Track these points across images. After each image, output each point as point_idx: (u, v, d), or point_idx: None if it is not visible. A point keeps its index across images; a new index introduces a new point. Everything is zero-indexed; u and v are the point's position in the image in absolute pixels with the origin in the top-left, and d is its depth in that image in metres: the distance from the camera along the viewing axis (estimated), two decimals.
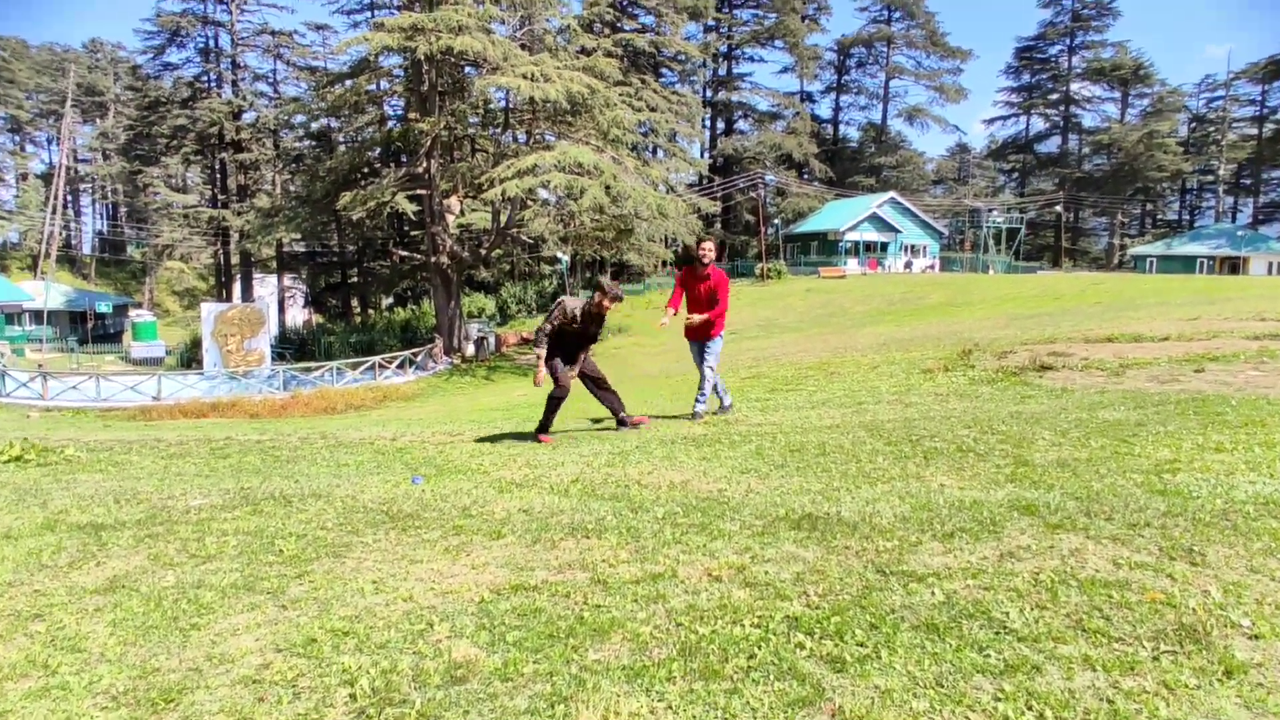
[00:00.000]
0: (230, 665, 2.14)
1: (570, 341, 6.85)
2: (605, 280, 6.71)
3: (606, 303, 6.62)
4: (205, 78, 52.22)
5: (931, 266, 54.18)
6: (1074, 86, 69.41)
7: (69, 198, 69.65)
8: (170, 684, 2.04)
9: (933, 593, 2.46)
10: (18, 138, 73.42)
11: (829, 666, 2.03)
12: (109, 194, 74.18)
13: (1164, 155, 62.23)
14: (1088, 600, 2.35)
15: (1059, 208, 64.81)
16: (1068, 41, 68.67)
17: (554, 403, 6.80)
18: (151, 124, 51.80)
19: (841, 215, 53.82)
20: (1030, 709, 1.83)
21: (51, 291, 46.71)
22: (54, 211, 53.21)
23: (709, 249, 7.19)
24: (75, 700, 1.97)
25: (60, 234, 62.46)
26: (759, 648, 2.13)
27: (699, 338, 7.42)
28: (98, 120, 72.01)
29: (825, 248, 53.63)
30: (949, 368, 9.66)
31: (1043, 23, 69.77)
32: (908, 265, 52.80)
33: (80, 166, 72.01)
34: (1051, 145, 72.84)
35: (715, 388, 7.51)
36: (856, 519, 3.32)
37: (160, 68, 53.75)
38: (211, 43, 51.91)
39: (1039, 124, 73.29)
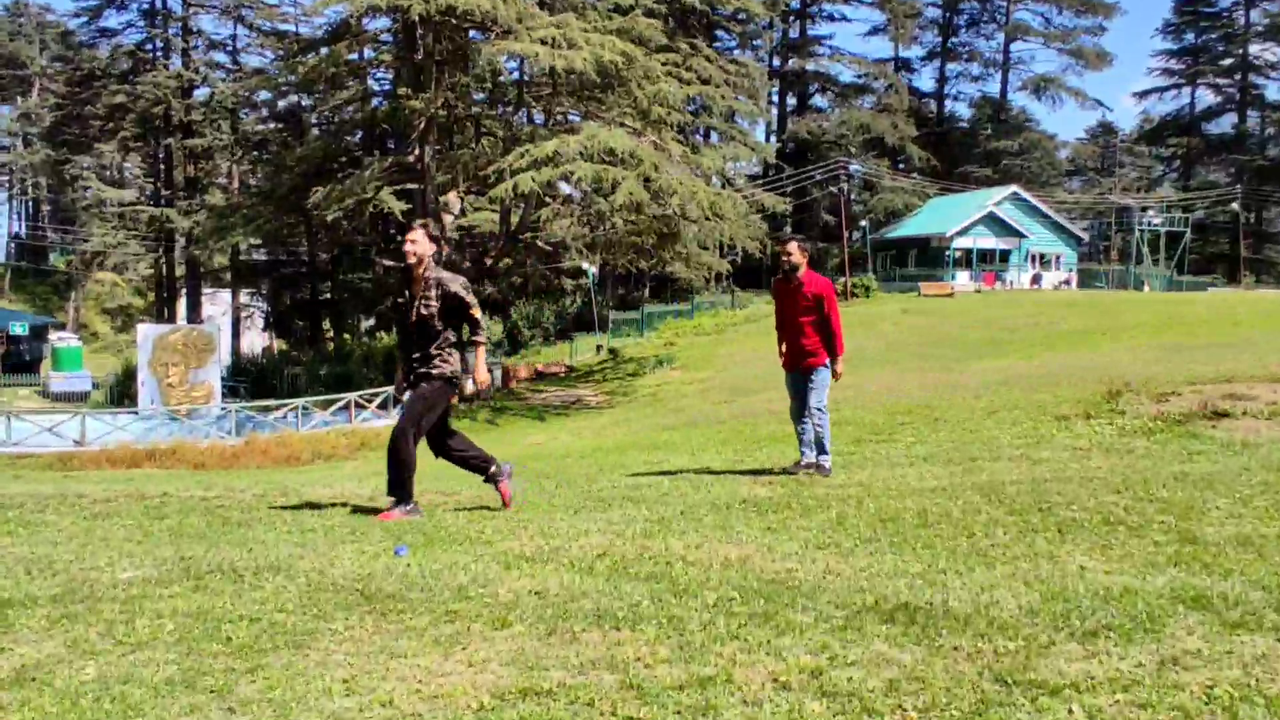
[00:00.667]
0: None
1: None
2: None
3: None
4: (150, 45, 54.16)
5: (1067, 281, 53.54)
6: (1253, 49, 68.59)
7: None
8: None
9: (1070, 710, 2.41)
10: None
11: None
12: (29, 189, 76.71)
13: None
14: None
15: (1235, 205, 63.70)
16: None
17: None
18: (84, 102, 53.76)
19: (948, 216, 53.57)
20: None
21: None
22: None
23: (792, 250, 7.30)
24: None
25: None
26: None
27: (798, 367, 7.43)
28: (19, 99, 74.80)
29: (927, 257, 53.35)
30: (1091, 414, 9.52)
31: None
32: (1035, 280, 52.22)
33: None
34: (1224, 125, 71.84)
35: (819, 438, 7.43)
36: (969, 611, 3.27)
37: (96, 34, 55.92)
38: (158, 3, 53.82)
39: (1208, 97, 72.41)
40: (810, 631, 3.11)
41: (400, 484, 6.03)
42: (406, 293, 6.05)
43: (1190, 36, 71.29)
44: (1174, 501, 5.18)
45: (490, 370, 32.74)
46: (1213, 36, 70.29)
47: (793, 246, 7.34)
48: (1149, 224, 57.55)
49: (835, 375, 7.40)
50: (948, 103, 70.93)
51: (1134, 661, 2.72)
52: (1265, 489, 5.37)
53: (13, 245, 79.48)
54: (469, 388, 5.96)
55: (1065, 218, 57.71)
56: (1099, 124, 79.40)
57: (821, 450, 7.40)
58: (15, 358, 49.99)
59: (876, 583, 3.76)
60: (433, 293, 5.91)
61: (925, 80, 71.12)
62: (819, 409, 7.33)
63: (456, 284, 5.99)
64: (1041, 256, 54.07)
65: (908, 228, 56.12)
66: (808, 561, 4.25)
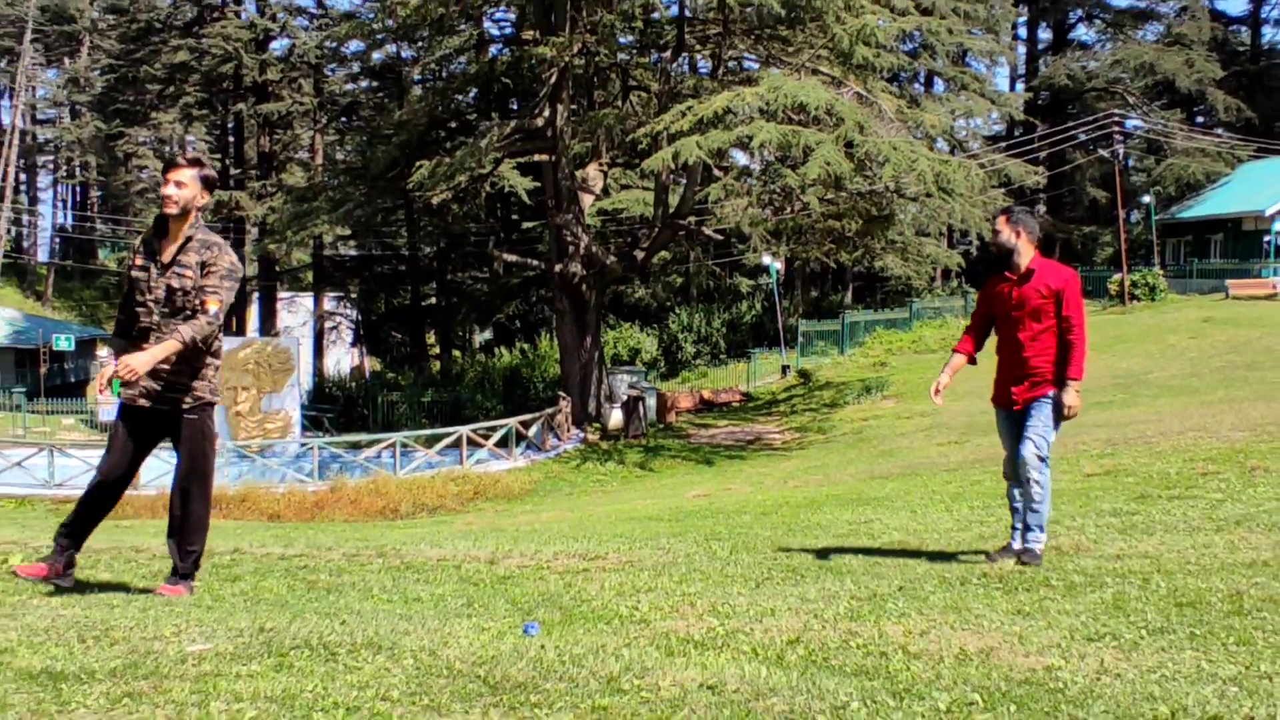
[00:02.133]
0: None
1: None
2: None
3: (165, 190, 5.69)
4: None
5: None
6: None
7: (22, 177, 78.00)
8: None
9: None
10: None
11: None
12: (76, 170, 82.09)
13: None
14: None
15: None
16: None
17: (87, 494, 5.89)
18: (140, 62, 57.23)
19: (1268, 188, 51.16)
20: None
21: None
22: (2, 199, 59.69)
23: (1000, 226, 6.68)
24: None
25: (7, 233, 69.86)
26: None
27: (1015, 399, 6.63)
28: (66, 60, 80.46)
29: (1238, 245, 51.13)
30: None
31: None
32: None
33: (39, 131, 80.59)
34: None
35: (1030, 505, 6.53)
36: None
37: None
38: None
39: None
40: None
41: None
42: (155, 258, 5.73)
43: None
44: None
45: (639, 398, 33.16)
46: None
47: (1000, 222, 6.67)
48: None
49: (1066, 411, 6.46)
50: (1265, 30, 67.78)
51: None
52: None
53: (57, 240, 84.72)
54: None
55: None
56: None
57: (1030, 526, 6.51)
58: (59, 378, 53.27)
59: (1172, 689, 3.64)
60: (192, 258, 5.66)
61: (1233, 2, 68.08)
62: (1038, 461, 6.41)
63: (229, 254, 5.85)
64: None
65: (1210, 205, 53.87)
66: (1074, 657, 4.15)
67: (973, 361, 6.91)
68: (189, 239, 5.62)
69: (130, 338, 5.70)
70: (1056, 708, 3.45)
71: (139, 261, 5.68)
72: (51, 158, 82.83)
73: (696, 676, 3.91)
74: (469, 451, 27.92)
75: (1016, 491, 6.66)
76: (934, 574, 6.19)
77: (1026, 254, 6.50)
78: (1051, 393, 6.43)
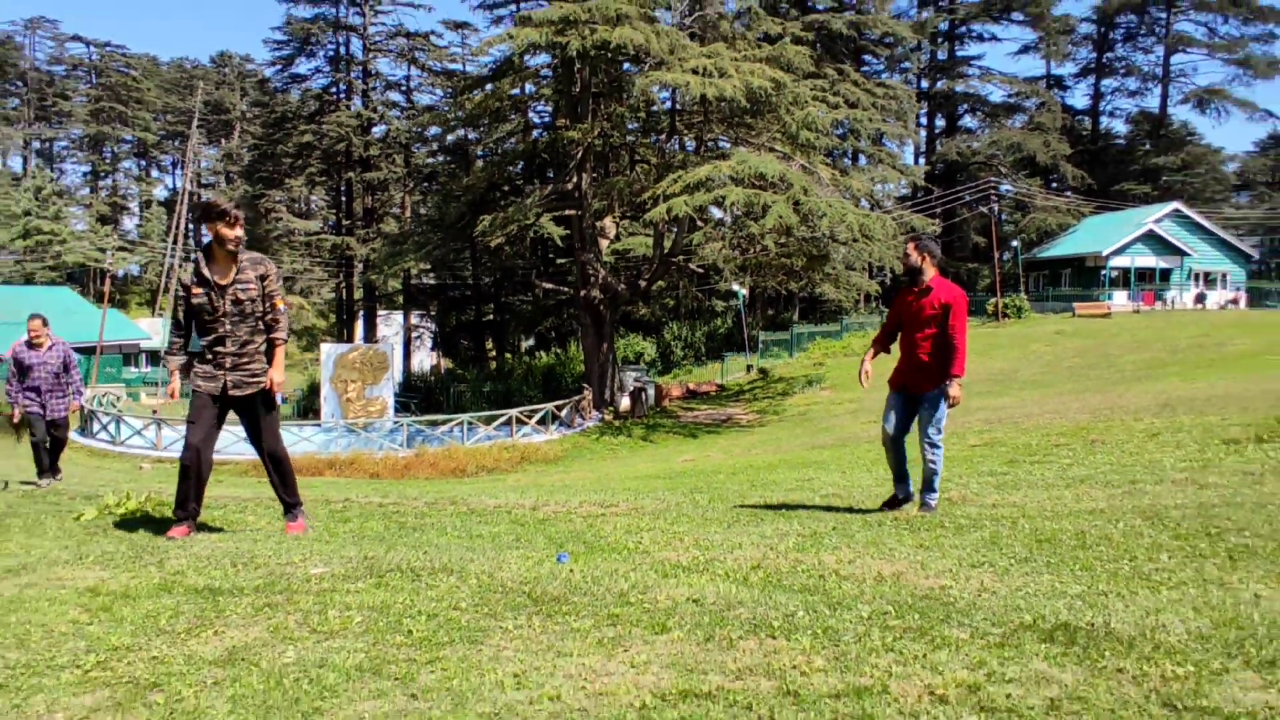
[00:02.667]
0: None
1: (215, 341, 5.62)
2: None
3: (224, 230, 5.41)
4: (334, 89, 57.54)
5: (1234, 301, 50.05)
6: None
7: (190, 226, 78.26)
8: None
9: None
10: (143, 162, 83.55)
11: None
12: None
13: None
14: None
15: None
16: None
17: (184, 471, 5.59)
18: (276, 142, 57.49)
19: (1104, 234, 51.12)
20: None
21: (169, 330, 52.39)
22: (175, 242, 59.92)
23: (909, 250, 6.30)
24: None
25: (180, 266, 70.10)
26: None
27: (915, 388, 6.30)
28: (222, 141, 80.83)
29: (1082, 277, 51.04)
30: (1264, 437, 8.90)
31: None
32: (1200, 299, 49.06)
33: (203, 192, 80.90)
34: None
35: (929, 475, 6.29)
36: (1133, 634, 3.13)
37: (288, 80, 59.85)
38: (342, 49, 57.24)
39: None
40: (966, 648, 3.04)
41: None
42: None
43: None
44: None
45: (643, 389, 33.17)
46: None
47: (910, 247, 6.31)
48: None
49: (951, 401, 6.17)
50: (1103, 119, 67.63)
51: None
52: None
53: None
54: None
55: (1232, 234, 54.06)
56: (1269, 136, 74.00)
57: (929, 487, 6.30)
58: None
59: (1034, 602, 3.65)
60: (250, 274, 5.57)
61: (1079, 97, 68.35)
62: (934, 442, 6.18)
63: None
64: (1206, 275, 50.80)
65: (1061, 247, 53.77)
66: (962, 579, 4.16)
67: (886, 350, 6.59)
68: (242, 262, 5.49)
69: (187, 353, 5.68)
70: (949, 615, 3.46)
71: (197, 291, 5.40)
72: None
73: (684, 593, 3.93)
74: (517, 428, 27.98)
75: (901, 456, 6.43)
76: (859, 519, 6.19)
77: (928, 273, 6.21)
78: (940, 386, 6.15)
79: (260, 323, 5.61)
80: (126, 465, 21.44)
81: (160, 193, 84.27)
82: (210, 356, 5.53)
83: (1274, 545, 4.59)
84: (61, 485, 9.46)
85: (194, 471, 5.50)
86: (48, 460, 9.96)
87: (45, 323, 9.75)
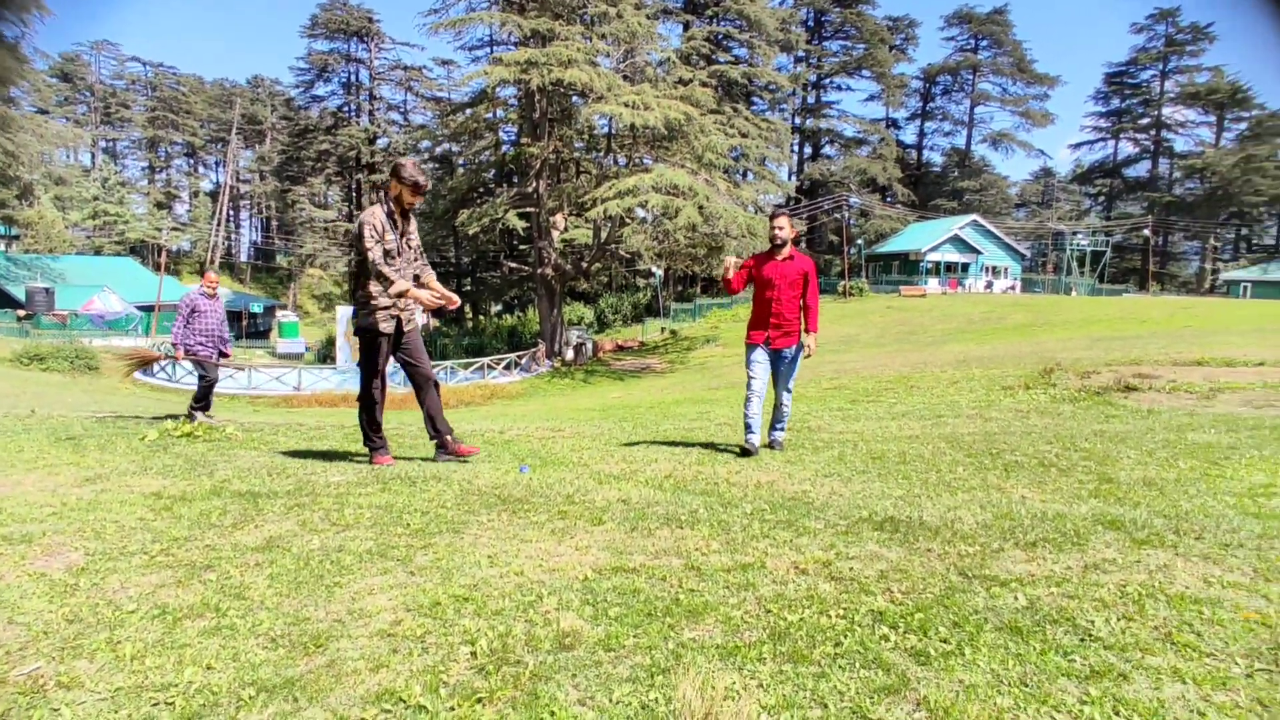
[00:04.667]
0: (368, 620, 2.26)
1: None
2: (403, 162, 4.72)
3: (408, 196, 4.69)
4: (346, 108, 55.17)
5: (1012, 288, 51.86)
6: (1166, 111, 65.13)
7: (231, 212, 74.74)
8: (319, 631, 2.17)
9: (1016, 597, 2.37)
10: (192, 161, 79.24)
11: (913, 659, 1.98)
12: (263, 209, 79.00)
13: (1262, 179, 57.60)
14: (1177, 615, 2.22)
15: (1147, 231, 60.88)
16: (1160, 66, 64.52)
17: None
18: (300, 149, 55.08)
19: (923, 237, 52.22)
20: (1117, 714, 1.74)
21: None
22: (218, 224, 57.14)
23: (783, 224, 5.34)
24: (241, 639, 2.13)
25: (223, 244, 67.00)
26: (845, 637, 2.11)
27: (778, 343, 5.44)
28: (256, 146, 76.92)
29: (906, 268, 52.15)
30: (1030, 385, 9.24)
31: (1134, 48, 65.79)
32: (988, 286, 50.69)
33: (241, 186, 77.15)
34: (1140, 169, 68.53)
35: (781, 415, 5.62)
36: (938, 524, 3.23)
37: (309, 100, 57.23)
38: (353, 78, 54.88)
39: (1128, 148, 69.15)
40: (821, 535, 3.11)
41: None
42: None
43: (1116, 102, 67.92)
44: (1094, 451, 5.04)
45: (583, 344, 32.97)
46: (1134, 101, 66.85)
47: (783, 220, 5.37)
48: (1078, 245, 55.34)
49: (807, 352, 5.47)
50: (925, 152, 68.84)
51: (1064, 565, 2.67)
52: (1165, 444, 5.19)
53: (252, 248, 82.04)
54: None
55: (1013, 239, 55.76)
56: (1042, 168, 76.25)
57: (782, 426, 5.64)
58: (254, 328, 51.78)
59: (869, 502, 3.73)
60: (413, 226, 4.94)
61: (909, 135, 69.04)
62: (790, 389, 5.57)
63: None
64: (994, 268, 52.42)
65: (893, 245, 54.83)
66: (818, 485, 4.23)
67: (739, 288, 5.58)
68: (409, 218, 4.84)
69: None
70: (809, 512, 3.53)
71: (389, 236, 4.64)
72: (248, 202, 79.56)
73: (615, 495, 3.93)
74: (488, 372, 27.64)
75: (754, 409, 5.40)
76: (742, 441, 6.21)
77: (791, 244, 5.46)
78: (797, 342, 5.46)
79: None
80: (181, 399, 20.57)
81: (206, 185, 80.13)
82: (387, 299, 4.77)
83: (1035, 462, 4.78)
84: (211, 421, 8.22)
85: (381, 403, 4.93)
86: (208, 398, 8.54)
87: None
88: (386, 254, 4.69)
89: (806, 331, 5.46)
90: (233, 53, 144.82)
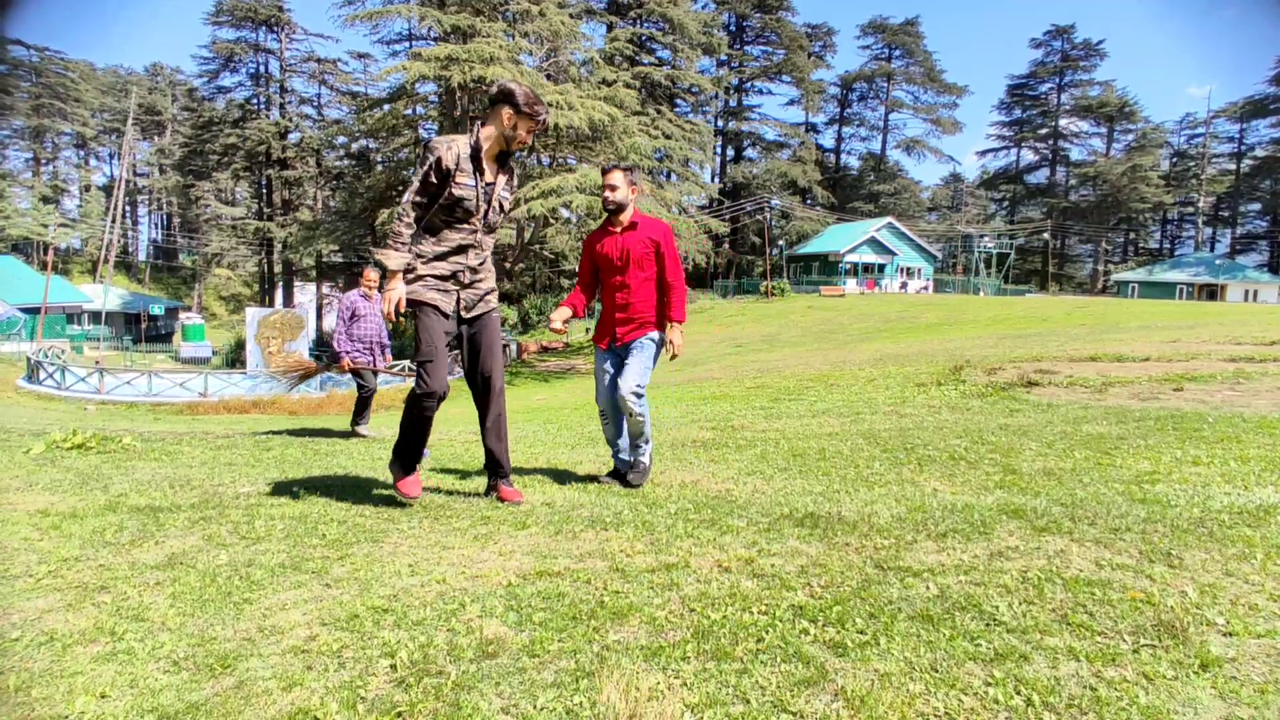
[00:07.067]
0: (280, 636, 2.17)
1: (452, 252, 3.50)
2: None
3: (523, 131, 3.40)
4: (255, 100, 52.87)
5: (926, 288, 54.06)
6: (1063, 122, 69.28)
7: (127, 208, 70.47)
8: (226, 651, 2.08)
9: (928, 587, 2.47)
10: (82, 153, 74.42)
11: (831, 651, 2.05)
12: (164, 205, 75.04)
13: (1147, 188, 61.94)
14: (1072, 597, 2.36)
15: (1046, 235, 64.65)
16: (1057, 80, 68.57)
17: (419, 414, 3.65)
18: (205, 142, 52.47)
19: (842, 238, 53.81)
20: (1019, 693, 1.84)
21: (109, 294, 47.27)
22: (113, 221, 53.82)
23: (616, 180, 3.95)
24: (140, 664, 2.01)
25: (118, 241, 63.07)
26: (766, 633, 2.15)
27: (626, 337, 4.11)
28: (155, 138, 72.90)
29: (826, 268, 53.63)
30: (941, 382, 9.63)
31: (1034, 62, 69.69)
32: (903, 286, 52.69)
33: (138, 180, 72.92)
34: (1040, 176, 72.63)
35: (640, 430, 4.11)
36: (856, 518, 3.33)
37: (214, 90, 54.55)
38: (262, 69, 52.64)
39: (1029, 156, 73.22)
40: (744, 532, 3.15)
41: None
42: None
43: (1018, 112, 71.80)
44: (999, 444, 5.29)
45: (506, 345, 32.57)
46: (1034, 112, 70.78)
47: (616, 176, 3.94)
48: (985, 247, 58.20)
49: (676, 350, 4.12)
50: (843, 156, 71.00)
51: (972, 554, 2.79)
52: (1063, 436, 5.50)
53: (151, 247, 77.83)
54: None
55: (925, 241, 58.19)
56: (951, 174, 79.84)
57: (644, 440, 4.16)
58: (154, 331, 49.19)
59: (790, 499, 3.80)
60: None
61: (828, 139, 71.10)
62: (638, 391, 3.98)
63: None
64: (908, 269, 54.53)
65: (813, 246, 56.30)
66: (741, 484, 4.28)
67: (579, 315, 4.22)
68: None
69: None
70: (732, 510, 3.57)
71: (464, 182, 3.38)
72: (147, 197, 75.27)
73: (540, 498, 3.90)
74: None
75: (614, 428, 4.27)
76: (667, 441, 6.24)
77: (630, 208, 4.04)
78: (651, 334, 4.10)
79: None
80: (71, 407, 19.29)
81: (99, 179, 75.35)
82: (445, 270, 3.51)
83: (946, 455, 4.98)
84: (369, 435, 7.54)
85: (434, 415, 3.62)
86: (366, 411, 7.84)
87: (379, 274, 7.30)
88: (459, 209, 3.37)
89: (670, 322, 4.10)
90: (128, 38, 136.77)
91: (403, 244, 3.36)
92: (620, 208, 4.00)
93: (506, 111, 3.39)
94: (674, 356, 4.12)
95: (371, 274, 7.58)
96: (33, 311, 37.10)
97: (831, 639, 2.11)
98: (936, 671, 1.94)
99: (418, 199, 3.37)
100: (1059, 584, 2.46)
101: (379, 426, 8.97)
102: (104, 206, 66.68)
